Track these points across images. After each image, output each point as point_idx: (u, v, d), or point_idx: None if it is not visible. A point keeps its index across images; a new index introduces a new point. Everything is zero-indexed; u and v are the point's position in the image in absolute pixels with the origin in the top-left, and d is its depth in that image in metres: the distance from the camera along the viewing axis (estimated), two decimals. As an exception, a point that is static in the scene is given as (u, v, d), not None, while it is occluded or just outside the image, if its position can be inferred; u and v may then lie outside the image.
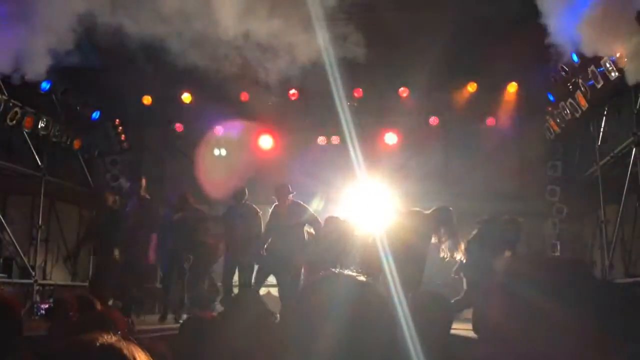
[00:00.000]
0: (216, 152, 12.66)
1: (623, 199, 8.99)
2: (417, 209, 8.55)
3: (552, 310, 1.50)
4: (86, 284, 12.02)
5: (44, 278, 11.24)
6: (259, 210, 8.98)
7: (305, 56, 9.16)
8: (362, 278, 1.51)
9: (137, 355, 1.20)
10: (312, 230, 8.89)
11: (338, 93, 9.78)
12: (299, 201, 8.86)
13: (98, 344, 1.18)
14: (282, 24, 8.43)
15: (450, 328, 3.12)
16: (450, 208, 8.03)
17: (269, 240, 8.67)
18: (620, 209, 9.18)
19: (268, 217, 8.87)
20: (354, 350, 1.38)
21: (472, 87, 11.48)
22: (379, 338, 1.43)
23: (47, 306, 8.94)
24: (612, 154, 9.45)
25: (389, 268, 7.89)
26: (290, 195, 8.73)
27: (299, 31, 8.62)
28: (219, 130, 12.36)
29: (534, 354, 1.60)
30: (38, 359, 1.23)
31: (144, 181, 9.15)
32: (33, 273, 10.45)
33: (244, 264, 8.84)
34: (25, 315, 8.69)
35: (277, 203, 8.73)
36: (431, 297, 3.14)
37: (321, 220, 8.87)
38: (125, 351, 1.19)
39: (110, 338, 1.21)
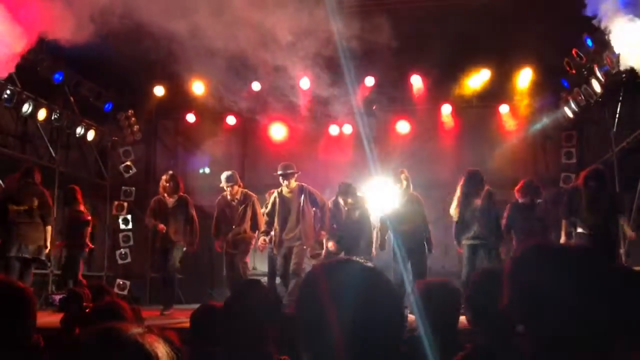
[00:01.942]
0: (200, 171, 12.91)
1: (639, 185, 8.90)
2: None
3: (560, 298, 1.48)
4: (102, 274, 12.19)
5: (60, 269, 11.35)
6: (253, 195, 8.65)
7: (318, 44, 9.11)
8: (369, 264, 1.50)
9: (158, 351, 1.19)
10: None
11: (351, 81, 9.73)
12: (304, 184, 8.48)
13: (126, 335, 1.17)
14: (295, 11, 8.37)
15: (459, 314, 3.11)
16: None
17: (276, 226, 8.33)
18: (637, 196, 9.09)
19: (272, 201, 8.45)
20: (362, 336, 1.37)
21: (485, 74, 11.37)
22: (387, 324, 1.42)
23: (60, 297, 8.98)
24: (627, 140, 9.36)
25: (400, 253, 7.88)
26: (296, 175, 8.35)
27: (312, 18, 8.56)
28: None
29: (538, 341, 1.58)
30: (63, 347, 1.23)
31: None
32: (49, 264, 10.54)
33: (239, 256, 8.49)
34: (40, 305, 8.77)
35: (283, 185, 8.25)
36: (439, 284, 3.12)
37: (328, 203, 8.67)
38: (148, 347, 1.18)
39: (137, 330, 1.20)
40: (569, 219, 7.66)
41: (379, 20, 9.07)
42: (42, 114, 10.12)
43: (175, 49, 8.92)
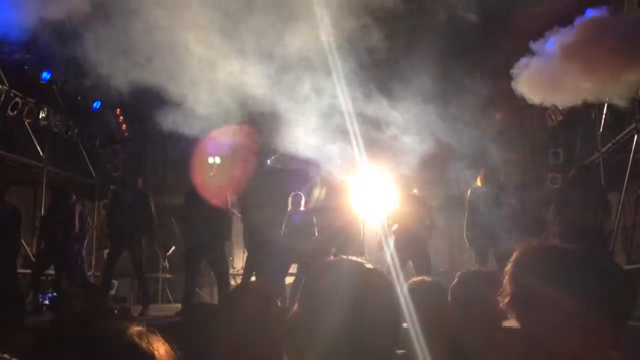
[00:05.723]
0: (210, 160, 12.34)
1: (625, 186, 8.98)
2: (415, 191, 8.58)
3: (561, 299, 1.51)
4: (89, 273, 12.09)
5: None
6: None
7: (306, 43, 9.08)
8: (369, 265, 1.52)
9: (156, 352, 1.19)
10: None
11: (338, 76, 9.70)
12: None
13: (128, 333, 1.16)
14: (282, 15, 8.35)
15: (446, 314, 3.14)
16: None
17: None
18: (622, 196, 9.17)
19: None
20: (359, 334, 1.39)
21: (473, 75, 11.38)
22: (384, 322, 1.44)
23: (50, 296, 8.93)
24: (613, 141, 9.43)
25: (391, 256, 7.91)
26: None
27: (300, 21, 8.54)
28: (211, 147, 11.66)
29: (535, 340, 1.61)
30: (56, 348, 1.22)
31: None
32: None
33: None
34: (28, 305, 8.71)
35: None
36: (426, 285, 3.16)
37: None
38: (145, 347, 1.17)
39: (136, 329, 1.19)
40: (559, 218, 7.73)
41: (367, 24, 9.08)
42: (29, 113, 10.04)
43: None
